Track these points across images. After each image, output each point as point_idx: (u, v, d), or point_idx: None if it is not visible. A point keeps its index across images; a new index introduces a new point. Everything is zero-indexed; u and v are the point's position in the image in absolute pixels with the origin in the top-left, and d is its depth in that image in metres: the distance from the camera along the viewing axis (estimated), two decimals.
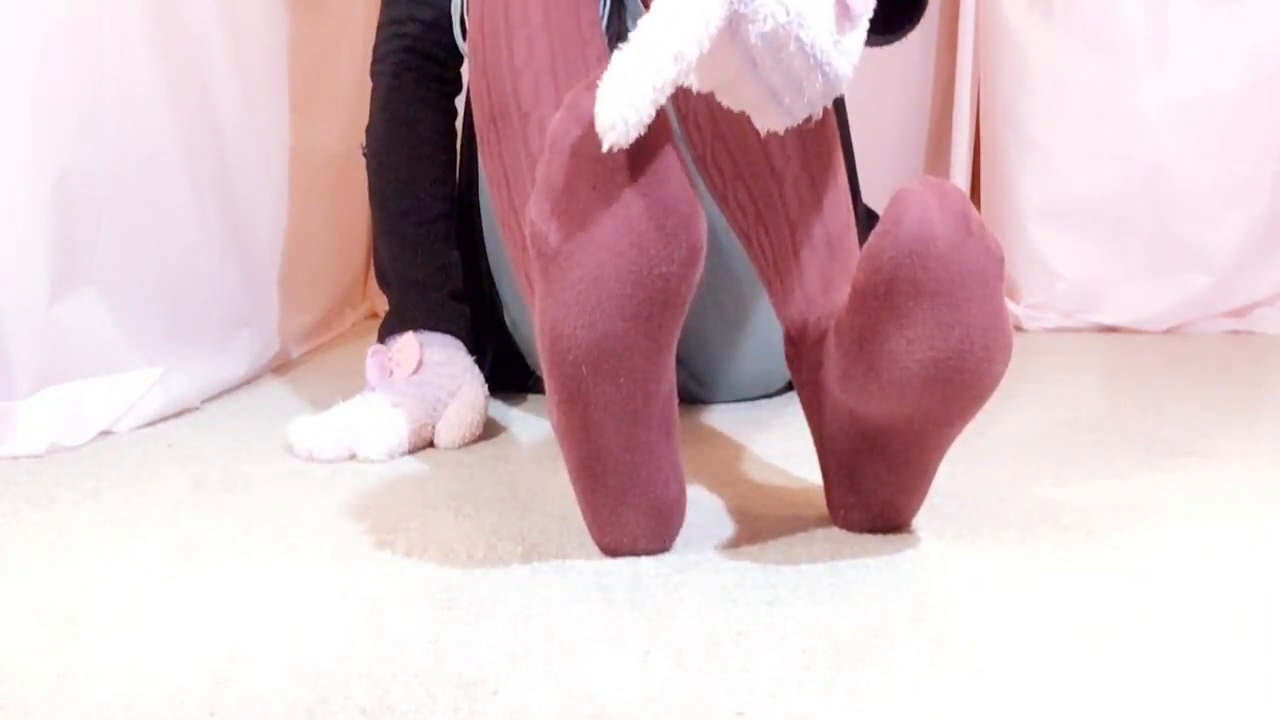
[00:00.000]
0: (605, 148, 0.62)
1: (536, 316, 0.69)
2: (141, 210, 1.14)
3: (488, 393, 1.10)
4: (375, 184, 1.21)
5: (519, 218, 0.79)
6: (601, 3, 0.95)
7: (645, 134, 0.63)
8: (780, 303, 0.81)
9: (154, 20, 1.15)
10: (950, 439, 0.73)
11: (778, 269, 0.81)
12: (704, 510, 0.84)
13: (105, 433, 1.05)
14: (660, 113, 0.64)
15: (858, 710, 0.54)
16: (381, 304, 2.00)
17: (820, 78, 0.67)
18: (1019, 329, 1.83)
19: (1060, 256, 1.84)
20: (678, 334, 0.70)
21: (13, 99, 0.98)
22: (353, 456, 0.99)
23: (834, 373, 0.71)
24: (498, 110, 0.81)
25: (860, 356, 0.67)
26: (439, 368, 1.08)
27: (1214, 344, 1.69)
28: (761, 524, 0.81)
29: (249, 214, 1.35)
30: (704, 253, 0.67)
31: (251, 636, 0.62)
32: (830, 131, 0.83)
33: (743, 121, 0.75)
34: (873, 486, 0.75)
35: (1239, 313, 1.82)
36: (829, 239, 0.80)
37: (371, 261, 2.00)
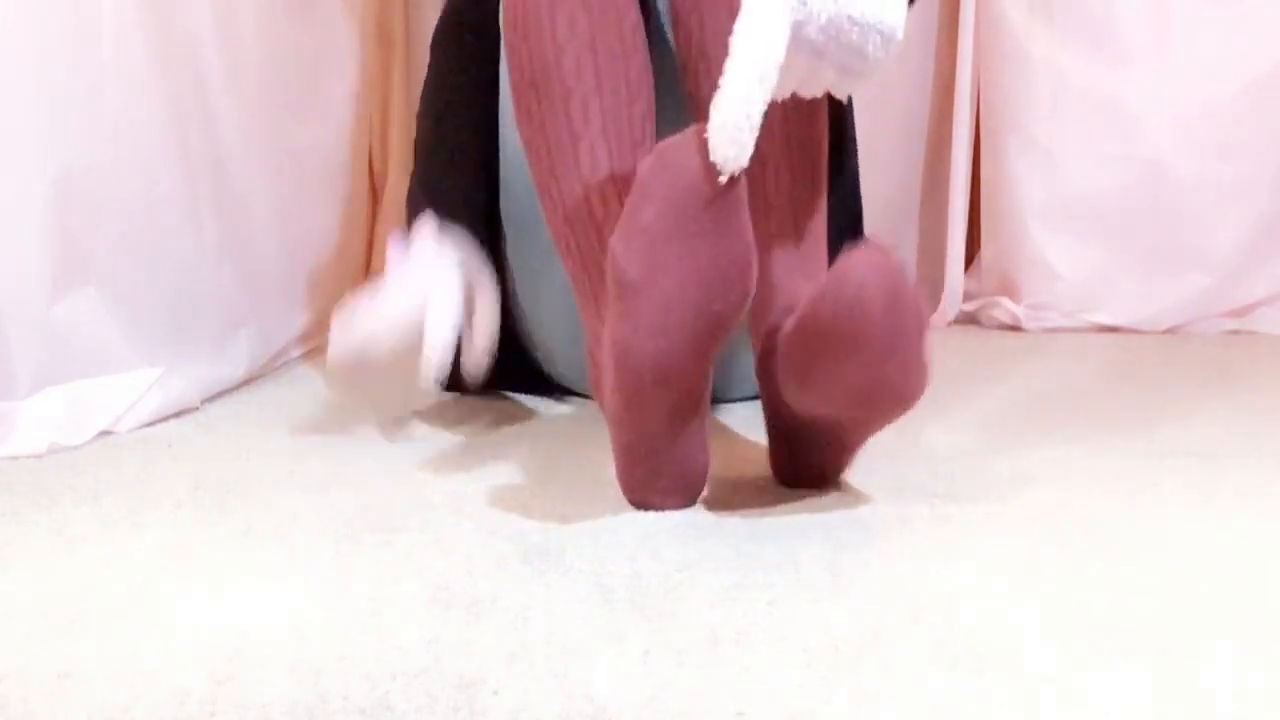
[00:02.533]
0: (724, 179, 0.74)
1: (606, 330, 0.80)
2: (141, 210, 1.14)
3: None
4: (417, 138, 1.28)
5: (560, 186, 0.90)
6: None
7: (721, 190, 0.75)
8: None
9: (153, 21, 1.15)
10: (872, 434, 0.85)
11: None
12: (704, 510, 0.84)
13: (105, 433, 1.05)
14: (739, 177, 0.75)
15: (858, 710, 0.54)
16: None
17: (878, 36, 0.78)
18: (1019, 329, 1.83)
19: (1060, 256, 1.84)
20: (729, 337, 0.81)
21: (13, 99, 0.98)
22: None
23: (778, 379, 0.82)
24: (539, 79, 0.90)
25: (799, 377, 0.80)
26: (466, 253, 1.11)
27: (1214, 344, 1.69)
28: (761, 524, 0.81)
29: (249, 214, 1.35)
30: (751, 296, 0.78)
31: (251, 636, 0.62)
32: (817, 132, 0.92)
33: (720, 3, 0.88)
34: (806, 458, 0.88)
35: (1239, 313, 1.82)
36: (798, 228, 0.90)
37: (371, 261, 2.00)
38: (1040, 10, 1.83)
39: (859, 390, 0.78)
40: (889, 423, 0.83)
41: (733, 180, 0.75)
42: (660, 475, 0.83)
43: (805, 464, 0.89)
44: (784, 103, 0.83)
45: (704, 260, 0.76)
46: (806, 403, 0.81)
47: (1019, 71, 1.84)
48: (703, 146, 0.75)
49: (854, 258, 0.76)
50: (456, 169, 1.20)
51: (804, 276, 0.89)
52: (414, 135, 1.29)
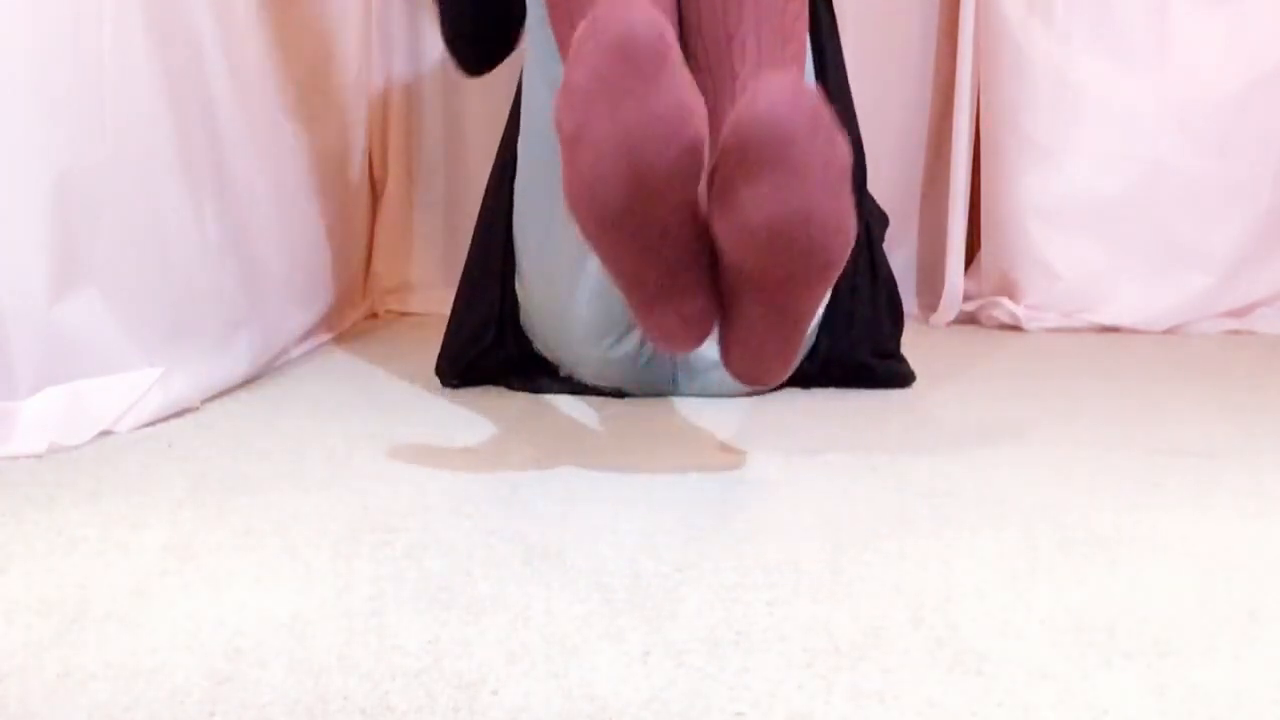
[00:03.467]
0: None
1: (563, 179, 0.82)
2: (141, 210, 1.14)
3: None
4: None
5: (570, 16, 0.91)
6: None
7: (645, 52, 0.76)
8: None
9: (153, 20, 1.15)
10: (805, 303, 0.84)
11: (716, 113, 0.89)
12: (704, 509, 0.85)
13: (105, 433, 1.05)
14: (665, 33, 0.77)
15: (858, 710, 0.54)
16: (381, 304, 2.01)
17: None
18: (1019, 329, 1.83)
19: (1060, 256, 1.84)
20: (693, 188, 0.81)
21: (13, 99, 0.98)
22: None
23: (709, 210, 0.82)
24: None
25: (721, 201, 0.80)
26: None
27: (1214, 344, 1.70)
28: (761, 524, 0.81)
29: (249, 214, 1.35)
30: (698, 151, 0.78)
31: (251, 636, 0.62)
32: (792, 16, 0.94)
33: None
34: (747, 331, 0.87)
35: (1239, 313, 1.82)
36: (761, 41, 0.93)
37: (371, 261, 2.01)
38: (1040, 10, 1.84)
39: (771, 220, 0.78)
40: (815, 279, 0.82)
41: (661, 40, 0.77)
42: (653, 314, 0.85)
43: (746, 338, 0.88)
44: None
45: (631, 118, 0.77)
46: (727, 233, 0.81)
47: (1019, 71, 1.84)
48: (631, 10, 0.77)
49: (772, 80, 0.77)
50: None
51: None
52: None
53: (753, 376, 0.90)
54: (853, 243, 0.81)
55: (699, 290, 0.86)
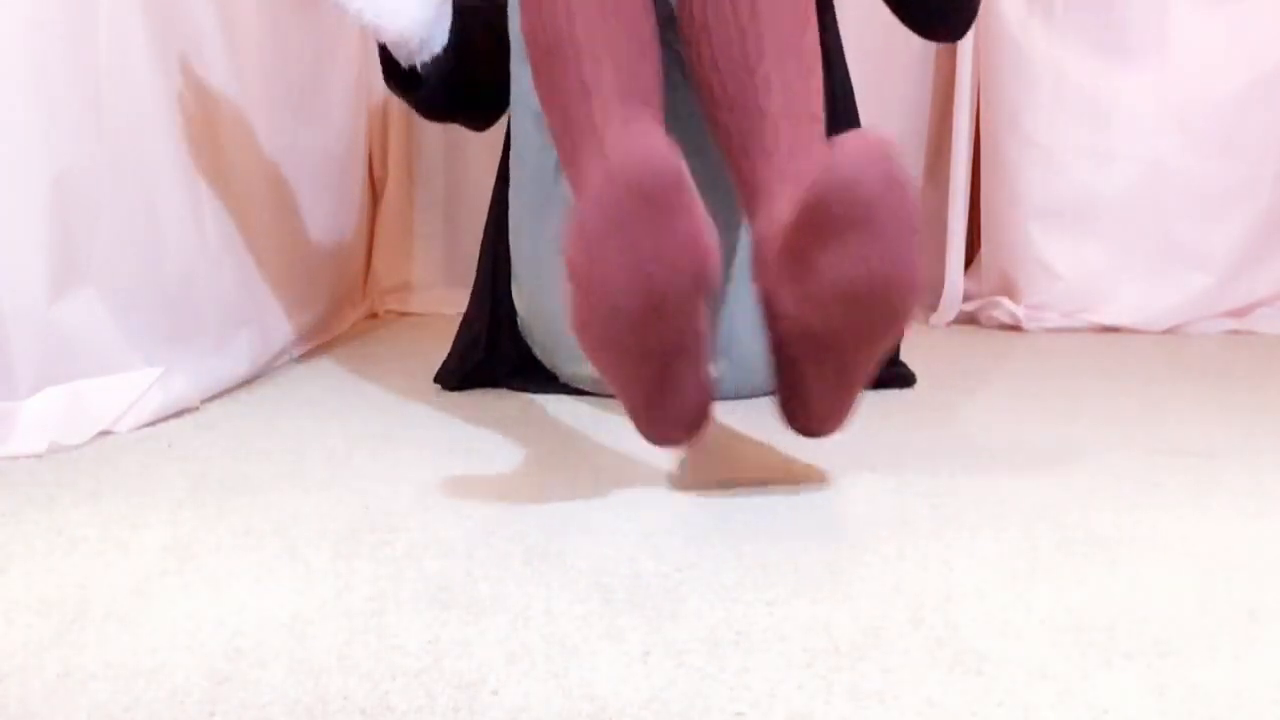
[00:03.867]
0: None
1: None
2: (141, 210, 1.14)
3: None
4: None
5: (574, 139, 0.91)
6: None
7: (660, 189, 0.74)
8: (748, 199, 0.90)
9: (152, 20, 1.15)
10: (870, 358, 0.82)
11: (746, 153, 0.90)
12: (704, 509, 0.85)
13: (105, 433, 1.05)
14: (679, 166, 0.75)
15: (858, 710, 0.54)
16: (381, 304, 2.01)
17: None
18: (1019, 329, 1.83)
19: (1060, 256, 1.84)
20: (702, 320, 0.81)
21: (11, 99, 0.98)
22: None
23: (775, 275, 0.82)
24: (552, 46, 0.92)
25: (793, 269, 0.79)
26: None
27: (1214, 344, 1.70)
28: (761, 524, 0.81)
29: (248, 214, 1.35)
30: (713, 278, 0.78)
31: (251, 636, 0.62)
32: (809, 45, 0.92)
33: (726, 17, 0.91)
34: (808, 390, 0.86)
35: (1239, 313, 1.82)
36: (794, 119, 0.90)
37: (371, 261, 2.01)
38: (1040, 10, 1.84)
39: (851, 283, 0.76)
40: (883, 334, 0.80)
41: (679, 177, 0.75)
42: (653, 423, 0.86)
43: (808, 398, 0.86)
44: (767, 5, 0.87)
45: (645, 253, 0.76)
46: (799, 299, 0.79)
47: (1019, 71, 1.84)
48: (643, 146, 0.75)
49: (847, 139, 0.75)
50: None
51: (808, 161, 0.87)
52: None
53: (816, 432, 0.89)
54: (923, 294, 0.80)
55: (694, 388, 0.85)
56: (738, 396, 1.21)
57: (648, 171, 0.75)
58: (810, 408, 0.87)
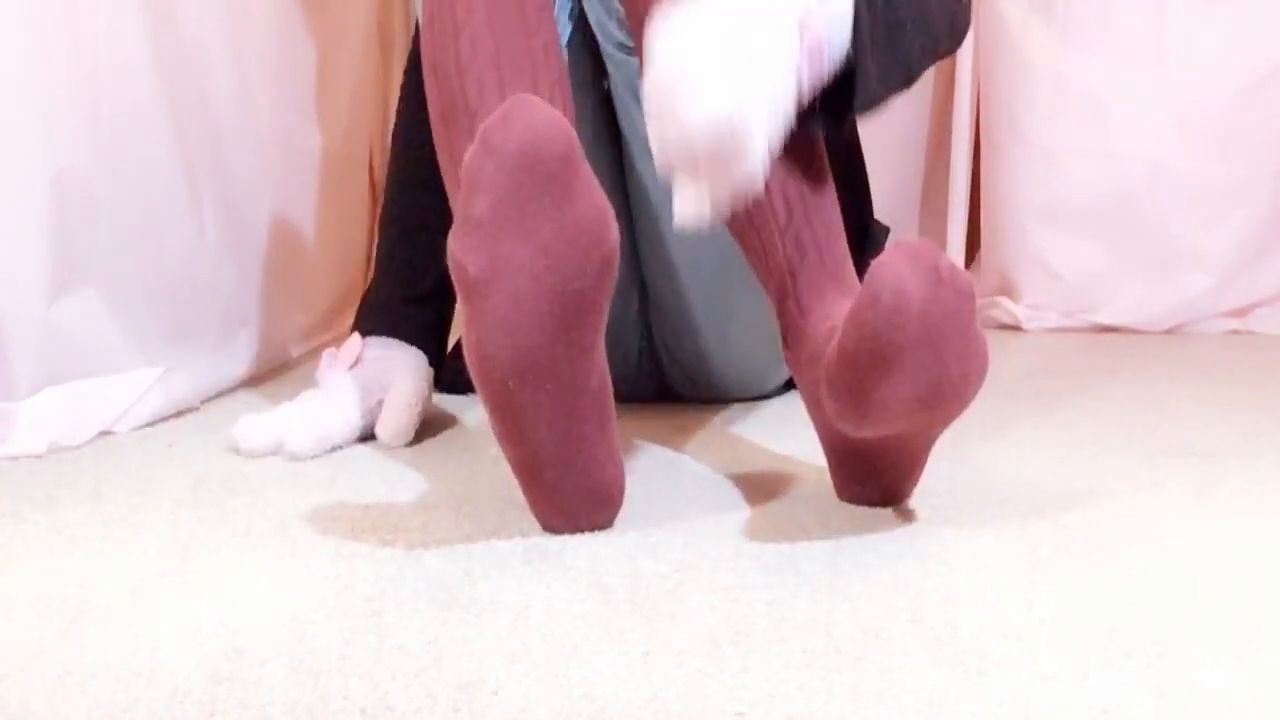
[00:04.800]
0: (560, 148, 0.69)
1: (464, 336, 0.73)
2: (141, 210, 1.14)
3: (430, 387, 1.11)
4: (385, 182, 1.23)
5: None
6: None
7: (553, 159, 0.69)
8: (776, 305, 0.86)
9: (152, 20, 1.15)
10: (938, 436, 0.80)
11: (770, 273, 0.85)
12: (704, 510, 0.85)
13: (105, 433, 1.05)
14: (569, 133, 0.70)
15: (858, 710, 0.54)
16: None
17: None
18: (1019, 329, 1.83)
19: (1060, 256, 1.84)
20: (601, 334, 0.75)
21: (11, 99, 0.98)
22: (280, 449, 1.00)
23: (829, 410, 0.76)
24: (447, 111, 0.84)
25: (852, 405, 0.73)
26: (375, 363, 1.09)
27: (1214, 344, 1.69)
28: (761, 524, 0.81)
29: (248, 214, 1.35)
30: (617, 259, 0.73)
31: (251, 636, 0.62)
32: (818, 159, 0.87)
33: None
34: (873, 478, 0.82)
35: (1239, 313, 1.82)
36: (818, 248, 0.84)
37: (372, 261, 2.01)
38: (1040, 10, 1.84)
39: (917, 399, 0.72)
40: (953, 418, 0.77)
41: (568, 140, 0.70)
42: (562, 492, 0.76)
43: (877, 485, 0.83)
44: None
45: (549, 238, 0.69)
46: (866, 428, 0.75)
47: (1019, 71, 1.84)
48: (526, 120, 0.69)
49: (886, 259, 0.70)
50: (403, 259, 1.14)
51: (838, 293, 0.83)
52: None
53: (887, 504, 0.84)
54: (987, 368, 0.75)
55: (610, 460, 0.77)
56: (741, 398, 1.21)
57: (535, 143, 0.69)
58: (872, 491, 0.83)
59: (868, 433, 0.76)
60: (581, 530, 0.78)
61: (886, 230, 1.30)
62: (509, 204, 0.70)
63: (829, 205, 0.86)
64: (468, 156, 0.71)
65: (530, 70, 0.84)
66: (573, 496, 0.77)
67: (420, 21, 0.90)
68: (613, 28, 1.05)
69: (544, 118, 0.70)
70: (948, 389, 0.72)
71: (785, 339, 0.85)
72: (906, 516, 0.83)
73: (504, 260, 0.70)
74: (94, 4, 1.07)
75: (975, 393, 0.75)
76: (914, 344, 0.69)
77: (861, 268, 0.91)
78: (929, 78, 2.03)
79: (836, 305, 0.81)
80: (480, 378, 0.72)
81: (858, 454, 0.81)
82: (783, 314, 0.85)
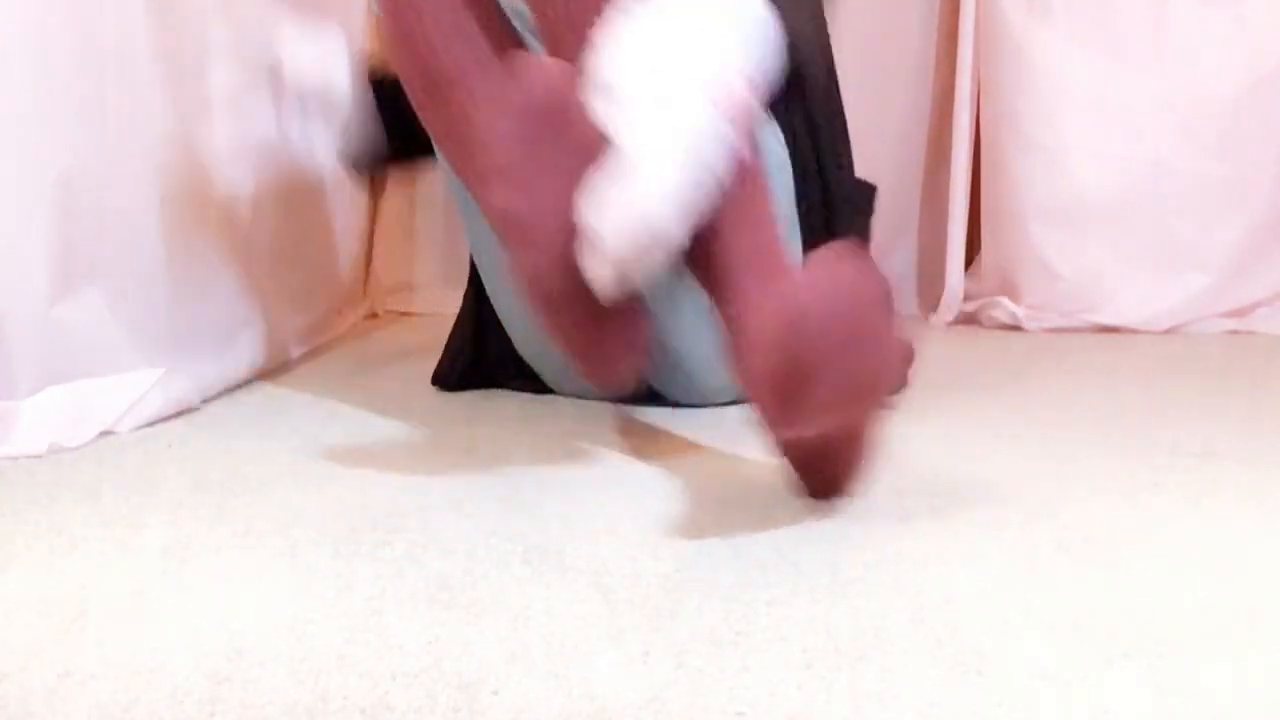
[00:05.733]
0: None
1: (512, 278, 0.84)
2: (142, 210, 1.14)
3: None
4: None
5: (474, 167, 0.95)
6: None
7: (574, 105, 0.80)
8: (714, 313, 0.89)
9: (154, 20, 1.15)
10: (873, 427, 0.84)
11: (702, 286, 0.89)
12: (704, 509, 0.85)
13: (105, 433, 1.05)
14: (570, 75, 0.80)
15: (858, 710, 0.54)
16: (381, 304, 2.01)
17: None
18: (1019, 329, 1.83)
19: (1061, 256, 1.84)
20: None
21: (13, 99, 0.98)
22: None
23: (772, 422, 0.78)
24: (428, 81, 0.98)
25: (777, 415, 0.75)
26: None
27: (1214, 344, 1.70)
28: (761, 525, 0.81)
29: (249, 214, 1.35)
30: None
31: (251, 636, 0.62)
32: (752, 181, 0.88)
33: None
34: (823, 475, 0.86)
35: (1239, 313, 1.82)
36: (743, 257, 0.86)
37: (372, 261, 2.01)
38: (1040, 10, 1.84)
39: (843, 398, 0.74)
40: (876, 407, 0.81)
41: (569, 88, 0.79)
42: (602, 355, 0.86)
43: (826, 477, 0.86)
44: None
45: (574, 173, 0.79)
46: (796, 433, 0.79)
47: (1019, 71, 1.84)
48: (533, 71, 0.80)
49: (792, 282, 0.74)
50: None
51: (762, 294, 0.85)
52: None
53: (841, 495, 0.87)
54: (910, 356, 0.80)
55: (629, 310, 0.86)
56: (730, 402, 1.21)
57: (543, 90, 0.78)
58: (826, 487, 0.86)
59: (800, 435, 0.79)
60: (622, 379, 0.88)
61: (871, 190, 1.27)
62: (532, 149, 0.79)
63: (761, 215, 0.88)
64: (487, 116, 0.85)
65: (493, 36, 0.98)
66: (610, 359, 0.86)
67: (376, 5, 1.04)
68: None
69: (556, 70, 0.80)
70: (868, 384, 0.76)
71: (726, 347, 0.86)
72: (907, 517, 0.83)
73: (537, 201, 0.79)
74: (99, 5, 1.07)
75: (890, 384, 0.79)
76: (823, 356, 0.72)
77: (831, 234, 0.96)
78: (929, 78, 2.04)
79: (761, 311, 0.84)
80: (528, 299, 0.83)
81: (805, 455, 0.84)
82: (720, 321, 0.87)
